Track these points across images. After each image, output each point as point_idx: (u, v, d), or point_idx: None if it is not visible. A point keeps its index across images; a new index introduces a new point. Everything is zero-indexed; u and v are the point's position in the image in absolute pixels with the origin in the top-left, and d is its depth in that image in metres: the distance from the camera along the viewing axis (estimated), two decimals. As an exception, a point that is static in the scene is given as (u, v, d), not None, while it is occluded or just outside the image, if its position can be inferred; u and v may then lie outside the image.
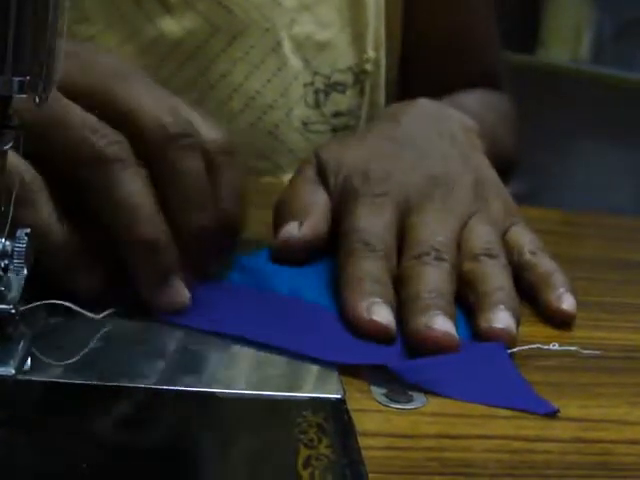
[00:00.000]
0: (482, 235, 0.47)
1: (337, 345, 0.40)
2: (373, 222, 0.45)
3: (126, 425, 0.33)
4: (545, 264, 0.48)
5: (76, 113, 0.38)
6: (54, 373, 0.35)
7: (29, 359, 0.35)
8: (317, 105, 0.67)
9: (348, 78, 0.68)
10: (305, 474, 0.30)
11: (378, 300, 0.41)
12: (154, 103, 0.40)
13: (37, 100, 0.35)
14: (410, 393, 0.37)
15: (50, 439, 0.32)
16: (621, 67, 2.08)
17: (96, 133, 0.38)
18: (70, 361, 0.36)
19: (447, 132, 0.53)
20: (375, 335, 0.40)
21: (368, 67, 0.69)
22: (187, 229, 0.40)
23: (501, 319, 0.42)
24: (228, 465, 0.31)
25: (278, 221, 0.48)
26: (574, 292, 0.46)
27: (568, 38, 2.10)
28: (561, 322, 0.46)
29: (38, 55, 0.34)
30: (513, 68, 1.15)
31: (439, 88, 0.71)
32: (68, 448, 0.31)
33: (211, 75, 0.64)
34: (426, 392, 0.37)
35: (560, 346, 0.42)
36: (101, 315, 0.39)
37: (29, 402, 0.34)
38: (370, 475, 0.31)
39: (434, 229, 0.45)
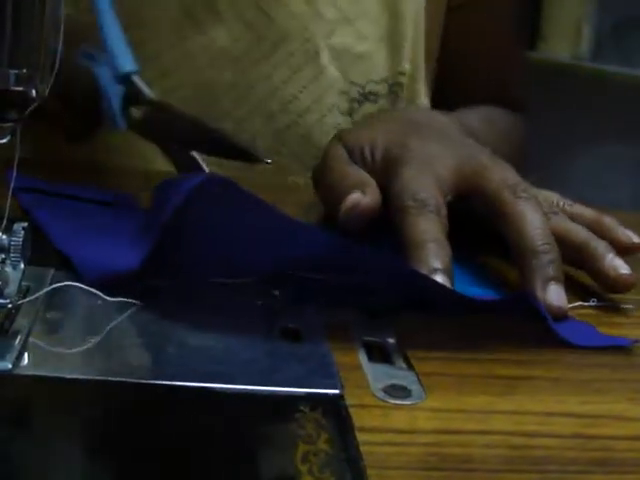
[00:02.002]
0: (547, 199, 0.51)
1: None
2: (422, 181, 0.48)
3: (121, 420, 0.33)
4: (587, 211, 0.53)
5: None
6: (51, 368, 0.35)
7: (26, 353, 0.35)
8: (350, 113, 0.70)
9: (382, 89, 0.70)
10: (304, 469, 0.30)
11: (439, 267, 0.44)
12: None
13: (34, 94, 0.35)
14: (409, 388, 0.37)
15: (47, 434, 0.31)
16: (621, 64, 2.08)
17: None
18: (69, 352, 0.36)
19: (451, 123, 0.57)
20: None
21: (403, 79, 0.70)
22: None
23: (624, 265, 0.48)
24: (226, 460, 0.31)
25: (333, 200, 0.50)
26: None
27: (568, 34, 2.10)
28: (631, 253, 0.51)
29: (35, 48, 0.34)
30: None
31: (453, 103, 0.73)
32: (65, 443, 0.31)
33: (251, 77, 0.67)
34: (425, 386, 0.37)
35: (599, 302, 0.48)
36: (113, 299, 0.39)
37: (25, 397, 0.33)
38: (368, 470, 0.31)
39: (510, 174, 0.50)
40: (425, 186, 0.48)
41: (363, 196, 0.49)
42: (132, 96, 0.53)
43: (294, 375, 0.36)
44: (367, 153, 0.53)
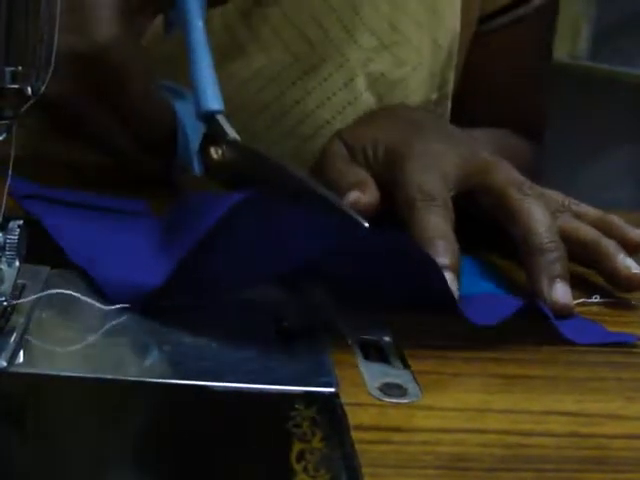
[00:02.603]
0: (553, 198, 0.52)
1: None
2: (428, 175, 0.49)
3: (117, 418, 0.33)
4: (591, 211, 0.53)
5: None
6: (46, 366, 0.35)
7: (22, 351, 0.35)
8: None
9: None
10: (299, 468, 0.30)
11: (447, 264, 0.44)
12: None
13: (29, 91, 0.35)
14: (405, 387, 0.37)
15: (42, 433, 0.31)
16: (620, 63, 2.07)
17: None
18: (64, 350, 0.36)
19: (452, 126, 0.58)
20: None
21: (430, 107, 0.70)
22: None
23: (634, 264, 0.48)
24: (221, 459, 0.31)
25: None
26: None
27: (566, 33, 2.10)
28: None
29: (31, 45, 0.34)
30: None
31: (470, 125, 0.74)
32: (60, 441, 0.31)
33: (285, 100, 0.67)
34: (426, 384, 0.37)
35: (601, 298, 0.48)
36: (109, 307, 0.39)
37: (21, 395, 0.33)
38: (364, 469, 0.31)
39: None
40: (431, 179, 0.48)
41: (362, 195, 0.49)
42: (213, 136, 0.50)
43: (289, 373, 0.36)
44: (369, 151, 0.53)
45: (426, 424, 0.35)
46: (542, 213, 0.47)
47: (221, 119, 0.49)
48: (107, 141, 0.51)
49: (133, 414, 0.34)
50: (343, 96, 0.67)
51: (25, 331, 0.36)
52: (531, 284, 0.46)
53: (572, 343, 0.42)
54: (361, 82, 0.67)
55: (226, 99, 0.65)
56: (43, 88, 0.36)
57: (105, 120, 0.50)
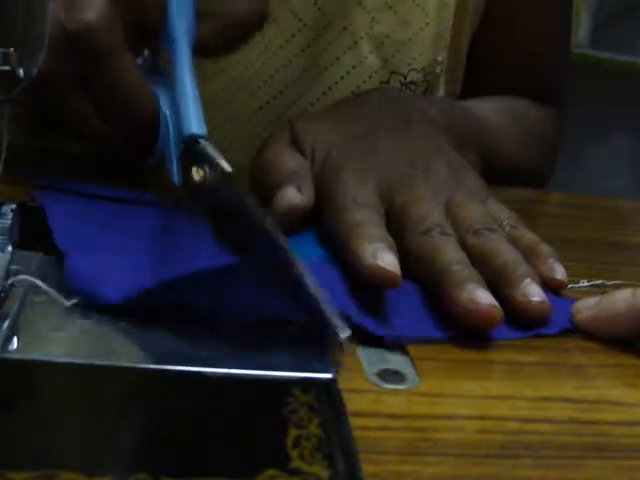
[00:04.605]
0: (473, 210, 0.47)
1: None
2: (360, 188, 0.47)
3: (113, 404, 0.33)
4: (528, 236, 0.48)
5: None
6: (40, 351, 0.34)
7: (15, 337, 0.35)
8: None
9: (420, 78, 0.69)
10: (294, 454, 0.30)
11: (382, 245, 0.41)
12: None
13: (21, 73, 0.34)
14: (403, 373, 0.36)
15: (35, 418, 0.31)
16: (620, 51, 2.07)
17: None
18: (58, 335, 0.35)
19: (408, 115, 0.55)
20: (381, 281, 0.40)
21: (437, 69, 0.69)
22: None
23: (536, 292, 0.42)
24: (217, 444, 0.31)
25: (267, 182, 0.49)
26: (561, 261, 0.47)
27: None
28: (554, 291, 0.46)
29: (23, 27, 0.34)
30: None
31: (480, 90, 0.74)
32: (54, 427, 0.31)
33: (293, 70, 0.66)
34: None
35: (589, 282, 0.48)
36: (70, 302, 0.37)
37: (14, 381, 0.33)
38: (361, 456, 0.30)
39: (428, 207, 0.46)
40: (364, 194, 0.46)
41: (299, 195, 0.47)
42: (196, 156, 0.46)
43: (286, 359, 0.36)
44: (307, 147, 0.51)
45: (424, 410, 0.34)
46: (448, 247, 0.43)
47: (204, 144, 0.46)
48: (87, 126, 0.50)
49: (128, 400, 0.33)
50: (347, 60, 0.66)
51: (18, 317, 0.36)
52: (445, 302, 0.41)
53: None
54: (365, 45, 0.66)
55: (230, 74, 0.64)
56: (35, 70, 0.35)
57: (85, 104, 0.48)
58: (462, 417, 0.34)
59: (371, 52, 0.66)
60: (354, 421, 0.32)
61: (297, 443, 0.30)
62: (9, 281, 0.36)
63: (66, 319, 0.37)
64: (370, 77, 0.67)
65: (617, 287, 0.47)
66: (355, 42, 0.66)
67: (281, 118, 0.66)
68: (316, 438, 0.31)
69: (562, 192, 0.71)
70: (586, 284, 0.48)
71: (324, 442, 0.31)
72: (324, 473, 0.29)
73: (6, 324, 0.35)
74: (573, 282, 0.47)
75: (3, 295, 0.36)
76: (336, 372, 0.35)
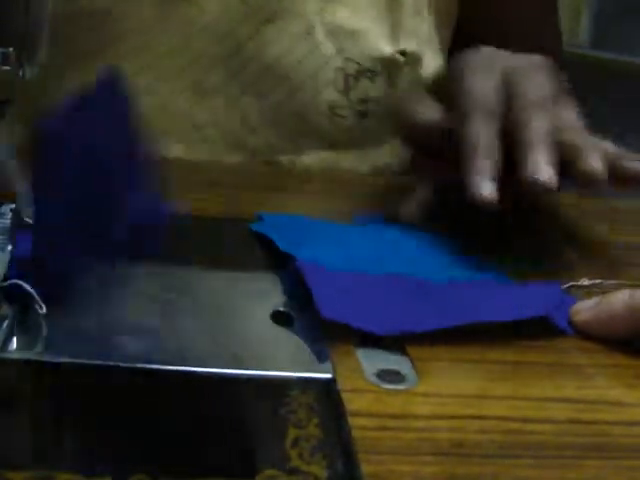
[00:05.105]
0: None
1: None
2: (482, 84, 0.51)
3: (111, 405, 0.33)
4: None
5: None
6: (39, 351, 0.34)
7: (14, 337, 0.35)
8: (346, 90, 0.68)
9: (378, 66, 0.69)
10: (294, 454, 0.30)
11: (487, 177, 0.47)
12: None
13: (21, 73, 0.34)
14: (402, 373, 0.36)
15: (34, 418, 0.31)
16: (621, 51, 2.07)
17: None
18: (58, 335, 0.35)
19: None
20: (484, 206, 0.46)
21: (401, 59, 0.69)
22: None
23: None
24: (216, 444, 0.31)
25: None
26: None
27: (566, 21, 2.09)
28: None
29: (22, 26, 0.34)
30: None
31: None
32: (53, 427, 0.31)
33: (243, 54, 0.65)
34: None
35: (590, 280, 0.48)
36: (44, 310, 0.36)
37: (13, 381, 0.33)
38: (360, 455, 0.30)
39: (542, 86, 0.52)
40: (485, 91, 0.51)
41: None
42: None
43: (286, 359, 0.36)
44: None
45: (423, 410, 0.34)
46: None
47: None
48: None
49: (128, 400, 0.33)
50: (302, 47, 0.66)
51: (17, 316, 0.36)
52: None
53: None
54: (320, 32, 0.66)
55: (178, 50, 0.64)
56: (36, 70, 0.35)
57: None
58: (461, 417, 0.34)
59: (326, 39, 0.66)
60: (353, 421, 0.32)
61: (296, 443, 0.30)
62: (8, 282, 0.36)
63: (66, 319, 0.37)
64: (327, 63, 0.66)
65: (617, 287, 0.47)
66: (310, 28, 0.66)
67: (235, 102, 0.66)
68: (315, 438, 0.31)
69: (562, 192, 0.71)
70: (587, 283, 0.48)
71: (323, 442, 0.31)
72: (323, 473, 0.29)
73: (5, 324, 0.35)
74: (574, 280, 0.48)
75: (2, 295, 0.36)
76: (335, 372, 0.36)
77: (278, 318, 0.39)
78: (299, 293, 0.41)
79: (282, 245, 0.45)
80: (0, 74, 0.34)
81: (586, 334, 0.42)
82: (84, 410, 0.32)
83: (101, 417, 0.32)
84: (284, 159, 0.67)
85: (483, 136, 0.49)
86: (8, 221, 0.35)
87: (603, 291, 0.45)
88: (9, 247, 0.35)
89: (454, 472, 0.31)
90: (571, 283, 0.47)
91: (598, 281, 0.48)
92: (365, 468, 0.30)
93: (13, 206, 0.36)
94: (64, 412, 0.32)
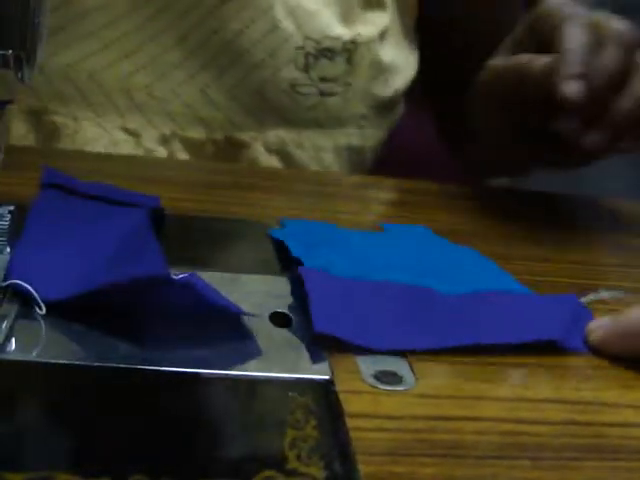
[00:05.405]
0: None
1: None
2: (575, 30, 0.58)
3: (109, 405, 0.33)
4: None
5: None
6: (38, 353, 0.34)
7: (13, 339, 0.35)
8: (306, 68, 0.68)
9: (337, 46, 0.69)
10: (291, 455, 0.30)
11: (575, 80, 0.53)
12: None
13: (20, 75, 0.34)
14: (400, 374, 0.37)
15: (33, 419, 0.31)
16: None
17: None
18: (57, 337, 0.35)
19: None
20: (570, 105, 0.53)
21: (360, 40, 0.69)
22: None
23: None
24: (214, 445, 0.31)
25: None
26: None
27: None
28: None
29: (21, 29, 0.34)
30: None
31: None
32: (51, 428, 0.31)
33: (203, 31, 0.66)
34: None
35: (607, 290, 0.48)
36: (43, 311, 0.37)
37: (12, 382, 0.33)
38: (358, 456, 0.31)
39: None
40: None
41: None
42: None
43: (284, 360, 0.36)
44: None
45: (421, 412, 0.34)
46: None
47: None
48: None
49: (127, 400, 0.33)
50: (262, 24, 0.66)
51: (17, 318, 0.36)
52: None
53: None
54: (279, 10, 0.66)
55: (140, 26, 0.64)
56: (35, 72, 0.36)
57: None
58: (458, 418, 0.34)
59: (286, 17, 0.66)
60: (351, 422, 0.33)
61: (294, 444, 0.30)
62: (8, 282, 0.36)
63: (65, 320, 0.37)
64: (286, 41, 0.67)
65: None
66: (270, 6, 0.66)
67: (194, 78, 0.66)
68: (313, 439, 0.31)
69: (561, 193, 0.71)
70: (606, 295, 0.47)
71: (321, 443, 0.31)
72: (321, 474, 0.29)
73: (5, 325, 0.35)
74: (592, 290, 0.47)
75: (2, 296, 0.36)
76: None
77: (277, 319, 0.39)
78: (299, 295, 0.41)
79: (295, 250, 0.46)
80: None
81: (601, 353, 0.41)
82: (83, 410, 0.32)
83: (101, 417, 0.32)
84: (245, 135, 0.67)
85: (576, 42, 0.55)
86: (7, 223, 0.35)
87: (620, 302, 0.45)
88: (7, 249, 0.36)
89: (451, 473, 0.31)
90: (591, 297, 0.46)
91: (619, 294, 0.48)
92: (363, 469, 0.30)
93: (11, 208, 0.36)
94: (63, 413, 0.32)
